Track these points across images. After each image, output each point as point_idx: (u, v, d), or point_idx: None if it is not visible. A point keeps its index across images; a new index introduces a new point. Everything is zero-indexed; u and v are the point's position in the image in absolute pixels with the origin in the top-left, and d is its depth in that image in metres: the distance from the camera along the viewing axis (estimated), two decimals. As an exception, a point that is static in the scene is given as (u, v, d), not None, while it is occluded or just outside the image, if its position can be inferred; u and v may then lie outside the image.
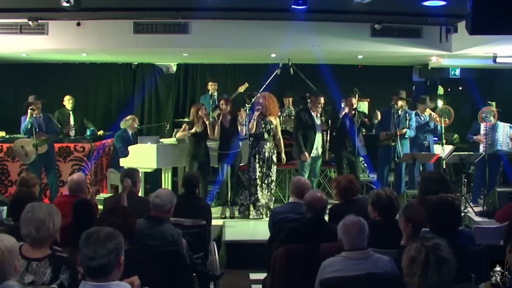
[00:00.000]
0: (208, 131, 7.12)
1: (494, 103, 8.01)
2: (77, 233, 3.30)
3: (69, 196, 4.71)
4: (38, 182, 4.98)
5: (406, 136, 7.50)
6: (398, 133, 7.35)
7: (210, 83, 9.08)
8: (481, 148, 7.68)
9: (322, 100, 7.31)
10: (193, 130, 7.15)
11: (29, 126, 7.08)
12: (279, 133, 7.28)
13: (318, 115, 7.33)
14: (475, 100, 8.81)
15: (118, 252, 2.45)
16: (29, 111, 7.10)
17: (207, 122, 7.08)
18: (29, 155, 7.14)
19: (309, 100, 7.59)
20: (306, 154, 7.17)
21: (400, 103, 7.53)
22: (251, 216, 7.05)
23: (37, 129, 7.03)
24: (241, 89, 8.78)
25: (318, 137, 7.31)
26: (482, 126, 7.71)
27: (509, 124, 7.72)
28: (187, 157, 7.29)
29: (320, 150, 7.37)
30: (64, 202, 4.31)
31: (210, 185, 7.82)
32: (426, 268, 2.36)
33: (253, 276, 5.45)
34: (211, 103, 8.82)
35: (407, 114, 7.55)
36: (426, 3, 6.84)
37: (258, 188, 7.04)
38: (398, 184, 7.69)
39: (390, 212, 3.78)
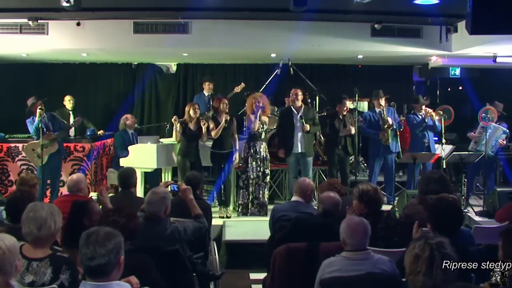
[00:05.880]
0: (203, 132, 7.07)
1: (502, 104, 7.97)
2: (68, 234, 3.34)
3: (68, 195, 4.71)
4: (38, 182, 4.96)
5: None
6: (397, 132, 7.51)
7: (206, 83, 9.06)
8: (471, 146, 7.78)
9: (298, 92, 7.21)
10: (173, 138, 7.19)
11: (40, 126, 6.92)
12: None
13: (300, 113, 7.14)
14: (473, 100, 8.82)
15: (118, 252, 2.45)
16: (38, 111, 6.88)
17: (202, 124, 7.03)
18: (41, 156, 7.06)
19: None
20: (281, 150, 7.27)
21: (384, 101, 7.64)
22: (249, 214, 7.07)
23: (44, 129, 6.88)
24: (238, 89, 8.72)
25: (298, 136, 7.14)
26: (480, 125, 7.72)
27: (504, 128, 7.69)
28: (178, 156, 7.26)
29: (303, 150, 7.15)
30: (63, 202, 4.32)
31: (209, 185, 7.82)
32: (431, 266, 2.35)
33: (253, 276, 5.46)
34: (211, 102, 8.81)
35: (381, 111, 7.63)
36: (418, 1, 6.85)
37: (257, 186, 7.08)
38: (387, 183, 7.77)
39: (377, 203, 3.90)
